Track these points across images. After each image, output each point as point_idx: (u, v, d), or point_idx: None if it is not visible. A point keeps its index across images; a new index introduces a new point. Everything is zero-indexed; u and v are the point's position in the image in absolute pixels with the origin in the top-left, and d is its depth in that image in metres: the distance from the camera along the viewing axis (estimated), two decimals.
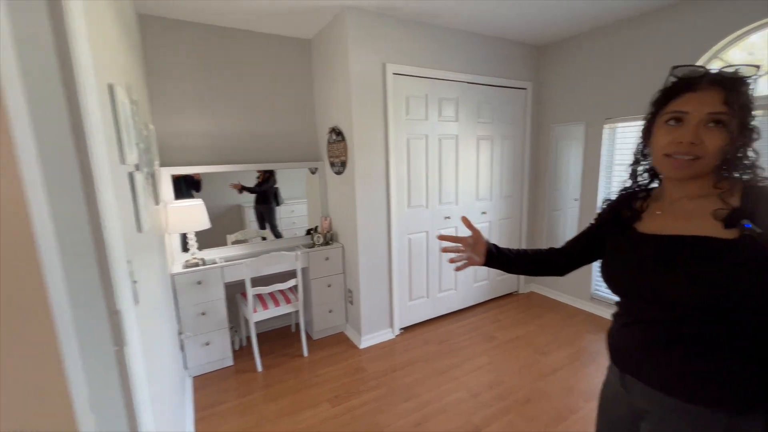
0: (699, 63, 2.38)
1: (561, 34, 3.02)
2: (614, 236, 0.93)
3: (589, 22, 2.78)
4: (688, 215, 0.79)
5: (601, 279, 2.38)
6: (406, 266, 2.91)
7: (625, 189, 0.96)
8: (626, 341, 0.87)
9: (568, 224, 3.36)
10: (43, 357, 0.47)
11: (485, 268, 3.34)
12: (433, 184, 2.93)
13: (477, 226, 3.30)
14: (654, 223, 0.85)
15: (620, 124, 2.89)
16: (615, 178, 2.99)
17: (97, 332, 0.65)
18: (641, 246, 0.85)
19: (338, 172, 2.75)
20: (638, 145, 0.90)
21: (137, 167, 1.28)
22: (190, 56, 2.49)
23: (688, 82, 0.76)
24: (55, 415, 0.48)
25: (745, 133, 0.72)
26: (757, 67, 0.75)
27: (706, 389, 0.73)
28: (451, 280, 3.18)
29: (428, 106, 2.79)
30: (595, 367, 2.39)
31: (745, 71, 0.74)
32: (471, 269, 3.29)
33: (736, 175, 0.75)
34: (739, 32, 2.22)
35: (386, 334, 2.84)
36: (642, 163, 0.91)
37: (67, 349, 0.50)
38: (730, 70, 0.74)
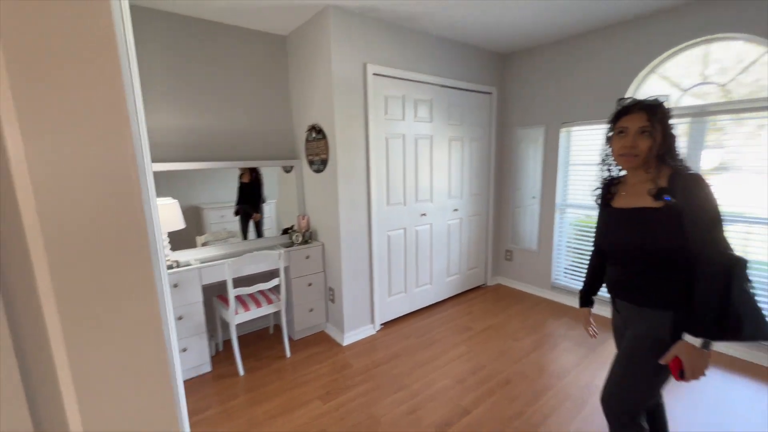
0: (646, 69, 2.72)
1: (523, 44, 3.28)
2: (602, 212, 1.37)
3: (549, 36, 3.05)
4: (638, 194, 1.20)
5: (559, 270, 2.80)
6: (386, 263, 2.97)
7: (604, 180, 1.38)
8: (614, 277, 1.32)
9: (528, 220, 3.64)
10: (153, 334, 0.47)
11: (457, 262, 3.52)
12: (410, 182, 3.02)
13: (449, 222, 3.38)
14: (621, 200, 1.28)
15: (575, 128, 3.20)
16: (571, 176, 3.30)
17: None
18: (614, 216, 1.29)
19: (318, 170, 2.74)
20: (603, 148, 1.33)
21: None
22: (163, 48, 2.35)
23: (626, 108, 1.19)
24: (161, 381, 0.49)
25: (667, 138, 1.15)
26: (666, 96, 1.18)
27: (660, 300, 1.16)
28: (426, 275, 3.29)
29: (405, 107, 2.89)
30: (561, 350, 2.61)
31: (659, 98, 1.18)
32: (445, 263, 3.43)
33: (670, 164, 1.16)
34: (672, 50, 2.57)
35: (368, 330, 2.88)
36: (607, 160, 1.34)
37: (166, 331, 0.49)
38: (651, 98, 1.18)
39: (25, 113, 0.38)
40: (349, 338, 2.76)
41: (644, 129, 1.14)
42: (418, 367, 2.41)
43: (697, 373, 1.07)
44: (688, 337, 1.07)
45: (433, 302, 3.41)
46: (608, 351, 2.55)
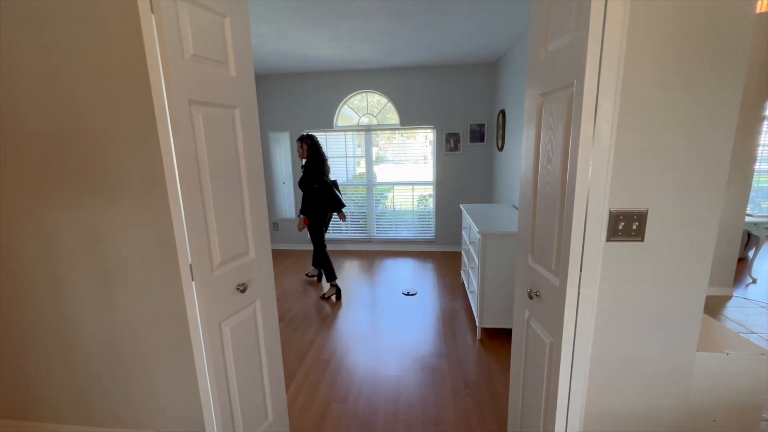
0: (343, 101, 4.70)
1: (270, 70, 4.56)
2: None
3: (289, 68, 4.49)
4: None
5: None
6: None
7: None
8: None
9: (285, 198, 5.08)
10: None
11: None
12: None
13: None
14: None
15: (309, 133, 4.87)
16: None
17: None
18: None
19: None
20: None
21: None
22: None
23: (299, 138, 3.40)
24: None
25: (309, 147, 3.31)
26: (307, 132, 3.63)
27: (304, 206, 3.49)
28: None
29: None
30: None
31: (304, 133, 3.50)
32: None
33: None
34: (353, 93, 4.69)
35: None
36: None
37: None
38: (305, 134, 3.40)
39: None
40: None
41: (302, 144, 3.30)
42: None
43: (300, 229, 3.34)
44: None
45: None
46: (347, 266, 4.46)
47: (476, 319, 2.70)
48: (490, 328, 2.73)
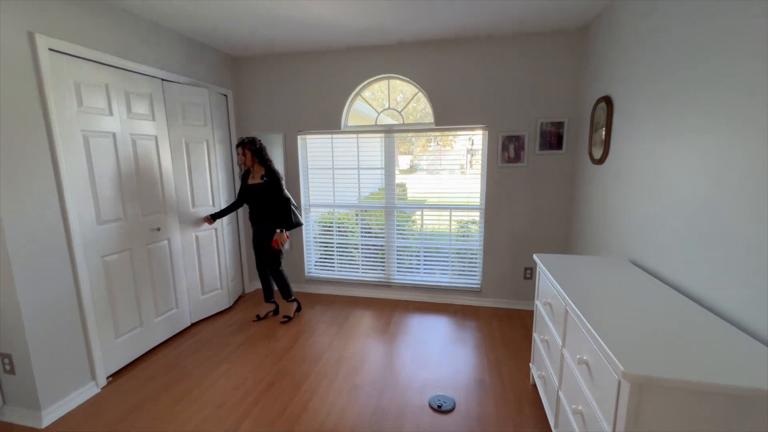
0: (354, 92, 3.35)
1: (253, 50, 3.31)
2: (242, 185, 3.01)
3: (273, 48, 3.22)
4: (255, 177, 2.93)
5: (311, 263, 3.23)
6: (105, 297, 2.31)
7: (243, 171, 3.04)
8: (251, 213, 3.03)
9: None
10: None
11: (216, 276, 3.22)
12: (131, 192, 2.47)
13: (197, 234, 3.02)
14: (250, 180, 2.96)
15: (309, 136, 3.58)
16: (311, 177, 3.67)
17: None
18: (248, 187, 2.96)
19: None
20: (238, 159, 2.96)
21: None
22: None
23: (238, 142, 2.86)
24: None
25: (254, 153, 2.85)
26: (253, 136, 2.92)
27: (270, 219, 2.94)
28: (171, 298, 2.83)
29: (111, 99, 2.32)
30: (317, 335, 2.91)
31: (249, 137, 2.87)
32: (197, 280, 3.06)
33: (265, 164, 2.91)
34: (368, 80, 3.32)
35: (88, 391, 2.17)
36: (240, 164, 2.93)
37: None
38: (246, 137, 2.85)
39: None
40: (52, 413, 1.98)
41: (244, 151, 2.83)
42: (168, 409, 2.05)
43: (282, 243, 2.92)
44: (277, 230, 2.89)
45: (187, 326, 2.99)
46: (352, 325, 3.07)
47: None
48: None
